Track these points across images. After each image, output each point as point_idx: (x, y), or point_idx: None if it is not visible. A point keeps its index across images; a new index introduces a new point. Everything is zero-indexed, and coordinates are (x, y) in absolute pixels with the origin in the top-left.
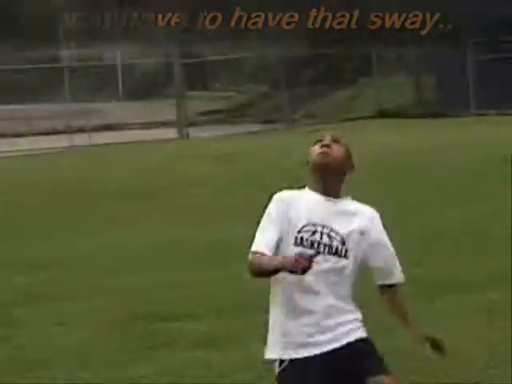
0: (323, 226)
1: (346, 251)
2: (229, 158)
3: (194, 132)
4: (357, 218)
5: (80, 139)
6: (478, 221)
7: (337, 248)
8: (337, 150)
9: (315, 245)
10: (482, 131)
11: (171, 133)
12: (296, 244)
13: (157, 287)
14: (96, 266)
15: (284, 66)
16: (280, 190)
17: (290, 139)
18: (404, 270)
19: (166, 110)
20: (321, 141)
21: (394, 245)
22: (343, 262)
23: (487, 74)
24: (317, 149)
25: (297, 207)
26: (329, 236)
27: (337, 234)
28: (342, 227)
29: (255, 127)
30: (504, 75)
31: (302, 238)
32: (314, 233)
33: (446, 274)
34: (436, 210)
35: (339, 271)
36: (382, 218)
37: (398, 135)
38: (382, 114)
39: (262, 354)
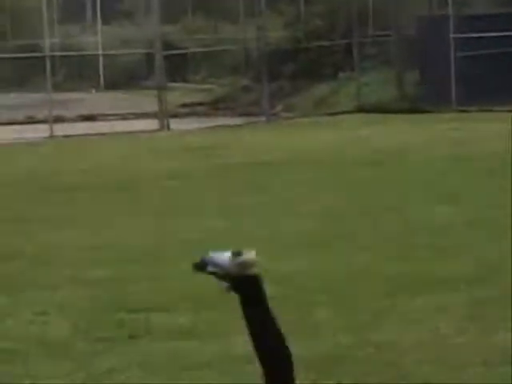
0: None
1: None
2: (208, 150)
3: (174, 124)
4: None
5: (60, 129)
6: (442, 220)
7: None
8: None
9: None
10: (463, 127)
11: (152, 124)
12: None
13: (133, 279)
14: (71, 258)
15: (265, 59)
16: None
17: (270, 133)
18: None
19: (146, 101)
20: None
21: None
22: None
23: (470, 70)
24: None
25: None
26: None
27: None
28: None
29: (235, 120)
30: (486, 71)
31: None
32: None
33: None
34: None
35: None
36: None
37: (376, 130)
38: (363, 109)
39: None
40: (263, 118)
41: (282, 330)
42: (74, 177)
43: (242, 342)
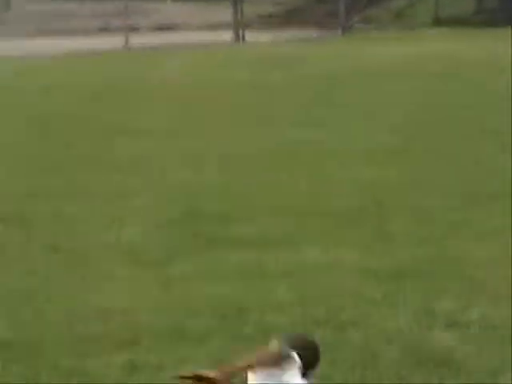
0: None
1: None
2: (283, 62)
3: (249, 35)
4: None
5: (135, 39)
6: None
7: None
8: None
9: None
10: None
11: (227, 35)
12: None
13: (209, 188)
14: (149, 164)
15: None
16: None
17: (345, 45)
18: None
19: (222, 12)
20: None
21: None
22: None
23: None
24: None
25: None
26: None
27: None
28: None
29: (310, 32)
30: None
31: None
32: None
33: None
34: None
35: None
36: None
37: (453, 43)
38: (440, 23)
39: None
40: (339, 31)
41: (358, 241)
42: (145, 86)
43: (316, 252)
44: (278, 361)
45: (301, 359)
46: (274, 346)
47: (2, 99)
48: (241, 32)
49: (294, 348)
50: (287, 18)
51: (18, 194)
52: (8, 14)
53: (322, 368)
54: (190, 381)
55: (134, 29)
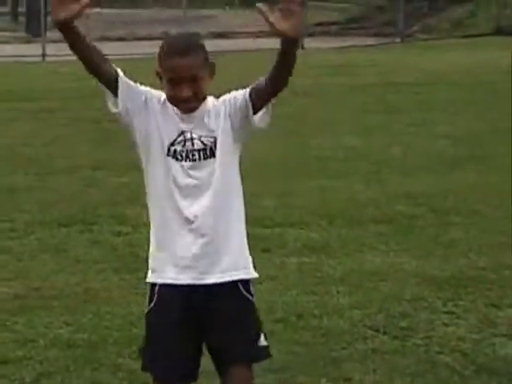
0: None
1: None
2: (341, 69)
3: (308, 42)
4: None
5: None
6: None
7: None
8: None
9: None
10: None
11: None
12: None
13: (266, 194)
14: None
15: None
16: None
17: (405, 54)
18: None
19: None
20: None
21: None
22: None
23: None
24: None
25: None
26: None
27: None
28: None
29: (370, 40)
30: None
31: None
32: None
33: None
34: None
35: None
36: None
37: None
38: (502, 32)
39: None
40: (398, 39)
41: (418, 249)
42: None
43: (374, 259)
44: None
45: None
46: None
47: None
48: (300, 39)
49: None
50: (347, 26)
51: None
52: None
53: (380, 375)
54: None
55: None
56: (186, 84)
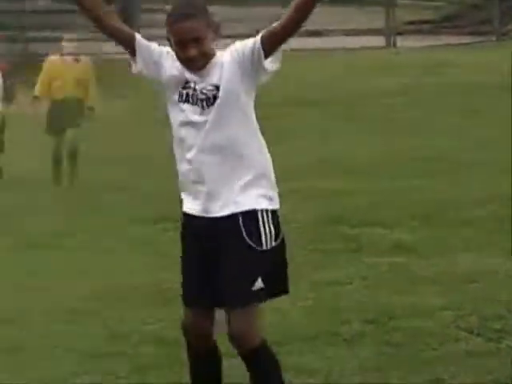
0: None
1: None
2: (435, 69)
3: (401, 41)
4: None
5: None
6: None
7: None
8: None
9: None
10: None
11: (378, 41)
12: None
13: (357, 193)
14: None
15: None
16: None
17: (500, 53)
18: None
19: (374, 17)
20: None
21: None
22: None
23: None
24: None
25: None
26: None
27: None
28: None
29: (464, 39)
30: None
31: None
32: None
33: None
34: None
35: None
36: None
37: None
38: None
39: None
40: (493, 38)
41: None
42: (301, 91)
43: (465, 260)
44: None
45: None
46: None
47: None
48: (392, 38)
49: None
50: (440, 24)
51: None
52: None
53: (473, 377)
54: None
55: None
56: (190, 45)
